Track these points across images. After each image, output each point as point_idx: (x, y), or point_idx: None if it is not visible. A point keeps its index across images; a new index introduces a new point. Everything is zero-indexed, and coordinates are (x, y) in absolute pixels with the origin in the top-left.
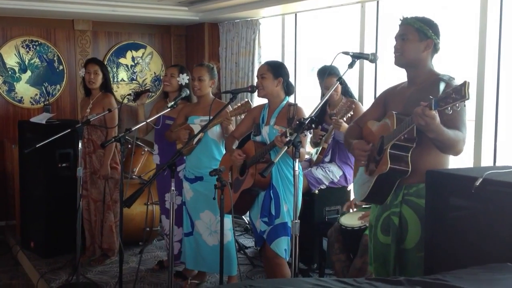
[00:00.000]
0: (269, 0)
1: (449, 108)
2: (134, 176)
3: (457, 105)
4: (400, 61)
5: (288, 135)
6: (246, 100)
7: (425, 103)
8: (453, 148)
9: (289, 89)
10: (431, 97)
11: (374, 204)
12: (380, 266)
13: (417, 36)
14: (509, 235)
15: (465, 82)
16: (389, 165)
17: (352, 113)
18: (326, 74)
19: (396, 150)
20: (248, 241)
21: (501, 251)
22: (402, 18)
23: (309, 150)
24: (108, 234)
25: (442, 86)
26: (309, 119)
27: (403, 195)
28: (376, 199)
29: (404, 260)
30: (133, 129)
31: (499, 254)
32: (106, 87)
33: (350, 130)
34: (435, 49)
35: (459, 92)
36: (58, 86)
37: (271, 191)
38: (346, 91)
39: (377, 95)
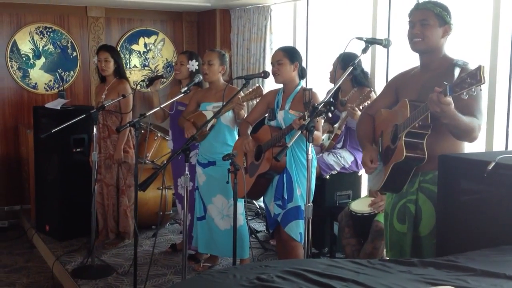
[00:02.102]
0: None
1: (464, 93)
2: (147, 161)
3: (472, 89)
4: (420, 46)
5: (306, 117)
6: (258, 85)
7: (439, 89)
8: (468, 134)
9: (303, 73)
10: (445, 82)
11: (389, 193)
12: (396, 255)
13: (437, 21)
14: None
15: (480, 66)
16: (405, 153)
17: (369, 102)
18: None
19: (411, 137)
20: (259, 225)
21: None
22: (418, 3)
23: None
24: (123, 218)
25: (457, 71)
26: (323, 103)
27: (419, 182)
28: (392, 188)
29: (419, 247)
30: (147, 114)
31: (511, 236)
32: (120, 73)
33: (362, 120)
34: (449, 33)
35: (475, 77)
36: (71, 72)
37: (284, 175)
38: (357, 80)
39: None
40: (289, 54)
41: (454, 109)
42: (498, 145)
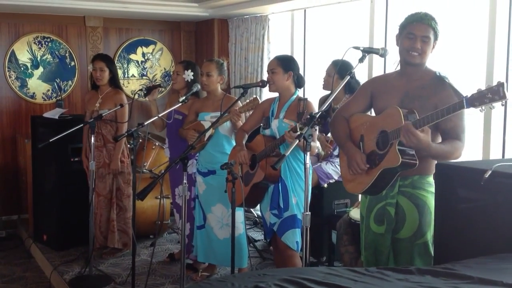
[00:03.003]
0: None
1: (483, 107)
2: (145, 170)
3: (493, 105)
4: (417, 61)
5: (298, 130)
6: (254, 96)
7: (410, 122)
8: (448, 159)
9: (299, 82)
10: (462, 95)
11: (364, 195)
12: (371, 255)
13: (433, 38)
14: None
15: (502, 83)
16: (400, 159)
17: None
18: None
19: (403, 145)
20: (257, 235)
21: (509, 242)
22: (421, 15)
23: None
24: (110, 231)
25: (448, 86)
26: (320, 113)
27: (399, 187)
28: (372, 191)
29: (398, 249)
30: (145, 123)
31: (508, 244)
32: (115, 82)
33: (337, 122)
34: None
35: (497, 93)
36: (69, 82)
37: (280, 184)
38: (350, 88)
39: None
40: (283, 63)
41: (427, 142)
42: (495, 154)
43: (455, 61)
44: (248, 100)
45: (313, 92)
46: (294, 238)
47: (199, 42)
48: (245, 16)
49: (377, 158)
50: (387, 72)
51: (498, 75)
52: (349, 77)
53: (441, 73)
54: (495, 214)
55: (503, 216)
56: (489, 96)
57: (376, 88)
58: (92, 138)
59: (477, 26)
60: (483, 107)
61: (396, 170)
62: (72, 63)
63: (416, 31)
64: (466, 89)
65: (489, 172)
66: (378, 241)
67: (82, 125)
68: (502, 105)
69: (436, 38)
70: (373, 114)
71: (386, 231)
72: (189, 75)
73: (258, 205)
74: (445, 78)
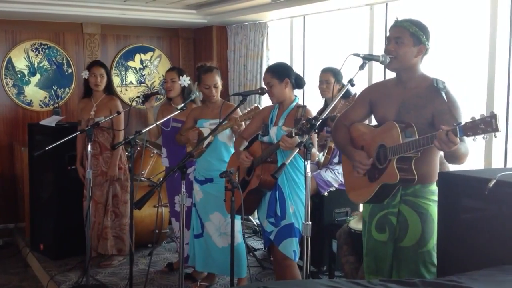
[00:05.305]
0: (278, 3)
1: (475, 137)
2: (143, 178)
3: (485, 136)
4: (393, 65)
5: (293, 135)
6: (256, 105)
7: (447, 128)
8: (462, 161)
9: (298, 84)
10: (455, 124)
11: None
12: (371, 261)
13: (412, 41)
14: None
15: (495, 115)
16: (399, 177)
17: None
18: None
19: (402, 162)
20: (257, 243)
21: None
22: (396, 20)
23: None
24: (103, 237)
25: (443, 95)
26: (319, 119)
27: (401, 196)
28: (375, 201)
29: (401, 257)
30: (143, 131)
31: None
32: (109, 89)
33: (338, 129)
34: (426, 53)
35: (490, 125)
36: (67, 89)
37: (277, 192)
38: (345, 94)
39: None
40: (276, 74)
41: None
42: (497, 161)
43: (456, 68)
44: (249, 109)
45: (313, 99)
46: (291, 247)
47: (198, 49)
48: (244, 23)
49: (377, 172)
50: (386, 77)
51: (499, 86)
52: (349, 84)
53: (438, 81)
54: (500, 224)
55: (508, 226)
56: (481, 127)
57: (375, 96)
58: (89, 146)
59: (478, 32)
60: (475, 138)
61: (396, 185)
62: (70, 70)
63: (390, 34)
64: (467, 96)
65: (493, 182)
66: (379, 248)
67: (78, 132)
68: (495, 137)
69: (418, 42)
70: (374, 121)
71: (389, 239)
72: (185, 80)
73: (257, 213)
74: (441, 87)
